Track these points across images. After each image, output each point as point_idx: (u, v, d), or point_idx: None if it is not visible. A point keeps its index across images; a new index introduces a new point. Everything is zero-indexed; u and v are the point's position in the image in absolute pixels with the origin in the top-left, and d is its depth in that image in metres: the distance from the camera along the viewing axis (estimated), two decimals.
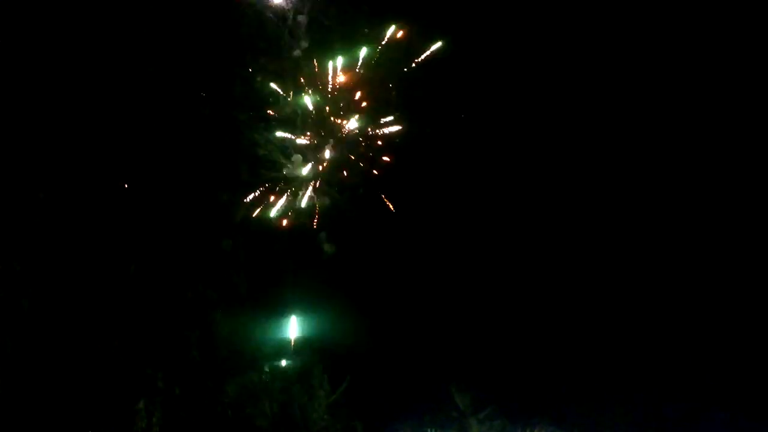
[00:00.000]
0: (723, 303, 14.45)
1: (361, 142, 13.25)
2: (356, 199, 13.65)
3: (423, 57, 13.24)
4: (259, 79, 12.65)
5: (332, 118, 13.14)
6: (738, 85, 14.39)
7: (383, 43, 12.96)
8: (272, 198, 13.28)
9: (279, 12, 12.50)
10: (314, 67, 12.76)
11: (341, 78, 12.98)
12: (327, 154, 13.21)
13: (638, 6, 14.39)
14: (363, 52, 12.72)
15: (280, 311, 13.32)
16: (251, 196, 12.95)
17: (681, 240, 14.81)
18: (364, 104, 13.17)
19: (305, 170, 13.18)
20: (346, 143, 13.23)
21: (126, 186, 11.81)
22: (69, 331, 10.70)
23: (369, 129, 13.16)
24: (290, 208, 13.39)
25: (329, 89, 13.09)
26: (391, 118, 13.13)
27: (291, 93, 12.87)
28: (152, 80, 11.93)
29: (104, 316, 10.85)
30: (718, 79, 14.44)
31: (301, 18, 12.49)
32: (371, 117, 13.07)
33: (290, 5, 12.60)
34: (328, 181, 13.44)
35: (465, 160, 14.43)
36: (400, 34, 13.10)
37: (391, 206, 13.52)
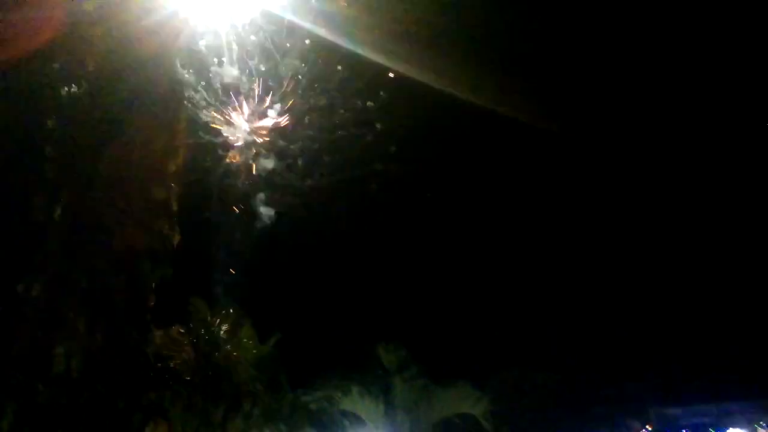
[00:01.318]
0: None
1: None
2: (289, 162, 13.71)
3: None
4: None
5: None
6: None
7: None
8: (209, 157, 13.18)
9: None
10: None
11: None
12: (266, 120, 13.17)
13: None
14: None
15: (211, 264, 13.26)
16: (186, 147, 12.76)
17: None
18: None
19: (241, 132, 13.12)
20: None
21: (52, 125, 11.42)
22: None
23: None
24: (226, 166, 13.33)
25: None
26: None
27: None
28: None
29: (25, 256, 10.57)
30: None
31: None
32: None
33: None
34: (264, 145, 13.40)
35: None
36: None
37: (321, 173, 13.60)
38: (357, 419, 14.50)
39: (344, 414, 14.15)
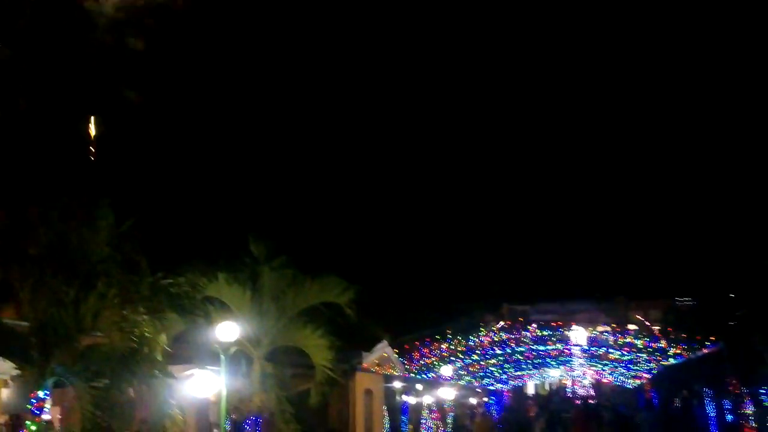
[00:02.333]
0: None
1: None
2: None
3: None
4: None
5: None
6: None
7: None
8: None
9: None
10: None
11: None
12: None
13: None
14: None
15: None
16: None
17: None
18: None
19: None
20: None
21: None
22: None
23: None
24: None
25: None
26: None
27: None
28: None
29: None
30: None
31: None
32: None
33: None
34: None
35: None
36: None
37: None
38: (222, 305, 14.47)
39: (209, 300, 14.07)
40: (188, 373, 14.14)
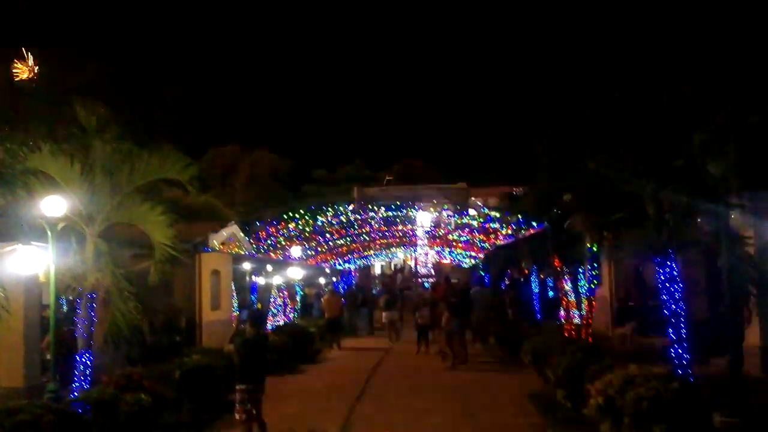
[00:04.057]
0: None
1: None
2: None
3: None
4: None
5: None
6: None
7: None
8: None
9: None
10: None
11: None
12: None
13: None
14: None
15: None
16: None
17: None
18: None
19: None
20: None
21: None
22: None
23: None
24: None
25: None
26: None
27: None
28: None
29: None
30: None
31: None
32: None
33: None
34: None
35: None
36: None
37: None
38: (49, 179, 13.33)
39: (32, 172, 12.89)
40: (9, 249, 13.16)
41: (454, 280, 34.39)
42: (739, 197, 13.48)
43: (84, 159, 13.72)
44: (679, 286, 12.85)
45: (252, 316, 12.73)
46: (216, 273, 27.72)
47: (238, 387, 12.02)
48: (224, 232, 27.14)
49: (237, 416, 11.97)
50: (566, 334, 21.53)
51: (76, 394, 12.75)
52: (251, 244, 29.74)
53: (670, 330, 12.87)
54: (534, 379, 18.40)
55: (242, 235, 29.21)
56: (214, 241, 25.81)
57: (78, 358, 13.18)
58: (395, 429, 14.53)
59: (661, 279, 12.98)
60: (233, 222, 28.01)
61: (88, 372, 13.21)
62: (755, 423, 10.32)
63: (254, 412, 11.87)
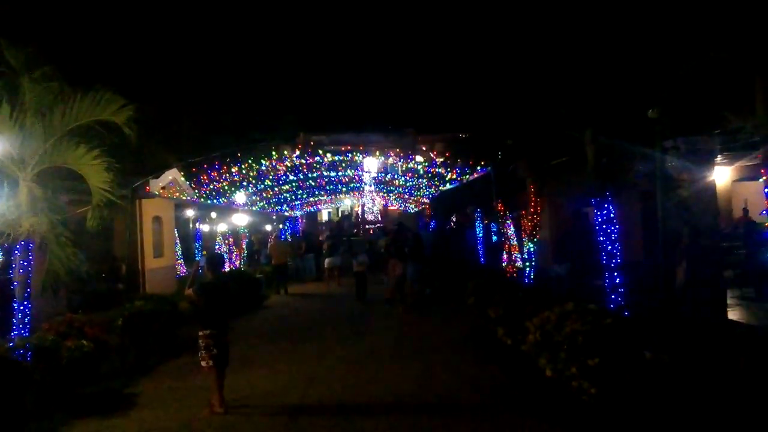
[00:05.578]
0: None
1: None
2: None
3: None
4: None
5: None
6: None
7: None
8: None
9: None
10: None
11: None
12: None
13: None
14: None
15: None
16: None
17: None
18: None
19: None
20: None
21: None
22: None
23: None
24: None
25: None
26: None
27: None
28: None
29: None
30: None
31: None
32: None
33: None
34: None
35: None
36: None
37: None
38: None
39: None
40: None
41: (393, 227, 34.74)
42: (674, 142, 13.94)
43: (14, 100, 13.06)
44: (615, 228, 13.32)
45: (210, 260, 12.44)
46: (158, 219, 27.17)
47: (201, 333, 11.69)
48: (165, 177, 26.49)
49: (203, 363, 11.58)
50: (508, 276, 22.17)
51: (14, 343, 12.48)
52: (193, 189, 29.16)
53: (606, 271, 13.40)
54: (477, 320, 18.94)
55: (184, 180, 28.58)
56: (155, 186, 25.20)
57: (15, 306, 12.84)
58: (343, 370, 14.82)
59: (597, 221, 13.42)
60: (175, 168, 27.32)
61: (26, 320, 12.89)
62: (682, 358, 10.93)
63: (223, 356, 11.59)
